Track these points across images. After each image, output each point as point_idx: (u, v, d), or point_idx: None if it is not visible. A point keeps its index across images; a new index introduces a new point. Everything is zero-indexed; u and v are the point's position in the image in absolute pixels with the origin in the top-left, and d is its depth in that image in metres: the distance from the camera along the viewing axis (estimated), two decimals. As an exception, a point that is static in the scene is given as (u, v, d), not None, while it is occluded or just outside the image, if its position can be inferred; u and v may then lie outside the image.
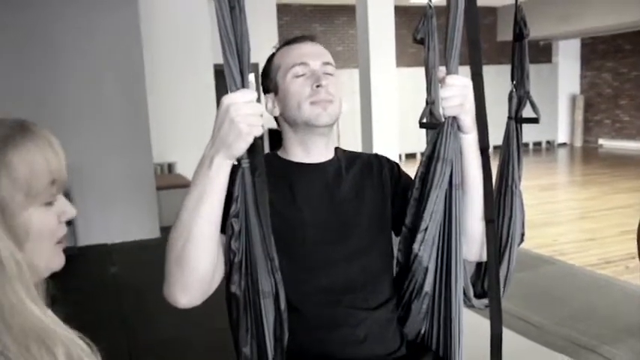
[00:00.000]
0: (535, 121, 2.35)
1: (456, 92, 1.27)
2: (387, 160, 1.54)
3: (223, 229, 1.14)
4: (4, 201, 0.77)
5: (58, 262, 0.88)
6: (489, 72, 12.53)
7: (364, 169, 1.47)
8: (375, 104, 7.27)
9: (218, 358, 1.38)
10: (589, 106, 13.77)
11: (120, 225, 6.03)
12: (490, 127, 1.35)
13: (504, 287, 2.16)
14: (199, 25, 7.34)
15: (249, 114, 1.05)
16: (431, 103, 2.29)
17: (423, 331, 1.45)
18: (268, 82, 1.45)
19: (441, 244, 1.38)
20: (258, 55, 7.85)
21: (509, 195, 2.14)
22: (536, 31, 12.38)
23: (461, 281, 1.43)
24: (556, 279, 4.71)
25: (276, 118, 1.51)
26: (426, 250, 1.35)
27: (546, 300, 4.21)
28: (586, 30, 12.15)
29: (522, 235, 2.25)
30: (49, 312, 0.78)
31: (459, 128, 1.32)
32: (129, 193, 6.19)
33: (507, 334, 3.68)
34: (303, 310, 1.27)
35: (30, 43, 5.72)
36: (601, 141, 13.43)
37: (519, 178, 2.16)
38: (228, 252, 1.13)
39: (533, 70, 11.90)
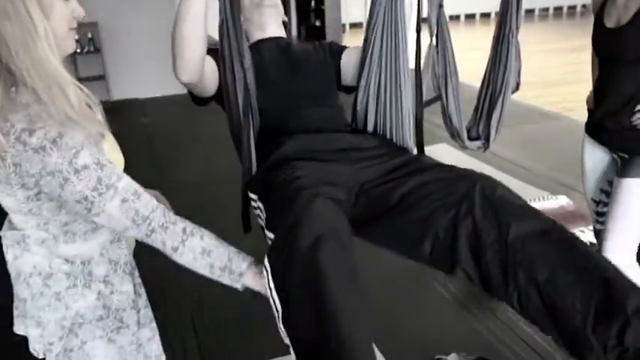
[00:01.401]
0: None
1: None
2: (328, 41, 2.03)
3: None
4: None
5: (70, 44, 1.18)
6: None
7: (308, 43, 1.96)
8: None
9: (237, 193, 1.72)
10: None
11: (151, 81, 6.30)
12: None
13: (496, 131, 2.39)
14: None
15: None
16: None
17: (377, 125, 1.84)
18: None
19: (387, 51, 1.74)
20: None
21: (505, 44, 2.31)
22: None
23: (409, 81, 1.81)
24: (554, 131, 4.99)
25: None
26: (368, 48, 1.74)
27: (542, 150, 4.54)
28: None
29: (518, 84, 2.44)
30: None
31: None
32: (159, 50, 6.35)
33: (499, 176, 4.02)
34: (271, 108, 1.72)
35: None
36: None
37: (517, 28, 2.31)
38: (221, 48, 1.57)
39: None
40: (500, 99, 2.37)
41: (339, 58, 1.90)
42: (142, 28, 6.25)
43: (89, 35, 6.17)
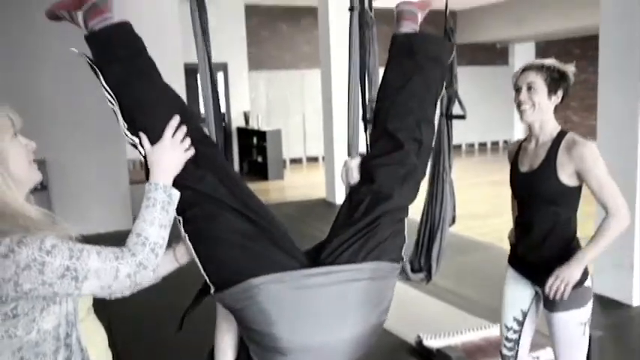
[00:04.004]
0: (462, 117, 2.76)
1: None
2: None
3: None
4: None
5: (36, 175, 1.39)
6: (449, 73, 12.97)
7: None
8: (336, 104, 7.48)
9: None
10: (543, 107, 14.36)
11: (95, 217, 6.32)
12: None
13: (437, 264, 2.56)
14: (169, 25, 7.52)
15: None
16: (371, 101, 2.69)
17: None
18: None
19: None
20: (228, 55, 8.46)
21: (440, 182, 2.55)
22: (493, 34, 12.93)
23: None
24: (488, 261, 5.27)
25: None
26: None
27: (479, 279, 4.77)
28: (538, 34, 12.71)
29: (454, 217, 2.66)
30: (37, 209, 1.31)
31: None
32: (104, 187, 6.49)
33: (441, 306, 4.19)
34: None
35: (11, 45, 5.95)
36: (554, 140, 14.03)
37: (450, 167, 2.57)
38: None
39: (490, 72, 12.47)
40: (439, 233, 2.56)
41: None
42: (89, 164, 6.36)
43: (35, 173, 6.24)
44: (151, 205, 1.40)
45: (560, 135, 2.21)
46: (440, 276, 2.64)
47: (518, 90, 2.27)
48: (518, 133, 14.60)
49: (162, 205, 1.40)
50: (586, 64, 12.44)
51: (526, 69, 2.26)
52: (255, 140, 10.87)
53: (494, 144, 14.41)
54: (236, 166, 11.79)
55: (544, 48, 14.26)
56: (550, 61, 2.25)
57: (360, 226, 1.59)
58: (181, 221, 1.53)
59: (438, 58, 1.90)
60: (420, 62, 1.84)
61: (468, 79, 13.52)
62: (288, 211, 7.44)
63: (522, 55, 14.40)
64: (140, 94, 1.53)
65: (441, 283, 4.41)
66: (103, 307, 1.51)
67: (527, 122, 2.28)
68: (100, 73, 1.53)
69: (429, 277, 2.69)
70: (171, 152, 1.47)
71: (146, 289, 1.46)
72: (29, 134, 1.39)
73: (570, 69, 2.25)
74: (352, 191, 1.75)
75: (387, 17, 11.95)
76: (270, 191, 9.44)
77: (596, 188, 2.11)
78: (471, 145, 14.13)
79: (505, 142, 14.46)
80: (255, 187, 9.78)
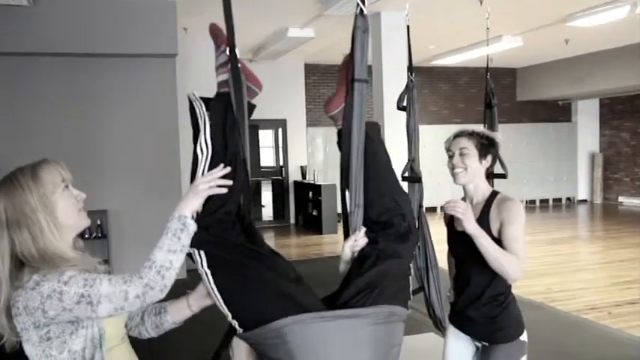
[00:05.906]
0: (503, 176, 2.78)
1: None
2: None
3: None
4: (46, 192, 1.47)
5: (85, 221, 1.58)
6: (509, 129, 12.93)
7: None
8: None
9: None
10: (608, 164, 14.02)
11: (151, 265, 6.49)
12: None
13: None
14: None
15: None
16: (411, 160, 2.76)
17: None
18: None
19: None
20: (287, 111, 8.83)
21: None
22: (554, 91, 12.78)
23: None
24: (539, 322, 5.05)
25: None
26: None
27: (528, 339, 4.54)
28: (599, 91, 12.46)
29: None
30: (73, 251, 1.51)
31: None
32: (159, 235, 6.67)
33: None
34: None
35: (78, 101, 6.37)
36: (621, 198, 13.61)
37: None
38: None
39: (553, 129, 12.25)
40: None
41: None
42: (147, 214, 6.57)
43: (98, 222, 6.52)
44: (164, 233, 1.54)
45: (493, 195, 2.33)
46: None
47: (451, 155, 2.38)
48: (583, 191, 14.20)
49: (173, 233, 1.53)
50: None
51: (458, 135, 2.39)
52: (310, 194, 11.01)
53: (557, 200, 14.02)
54: (292, 219, 11.95)
55: (609, 104, 13.98)
56: (480, 129, 2.42)
57: (371, 275, 1.71)
58: (209, 274, 1.63)
59: (373, 136, 2.02)
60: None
61: (529, 136, 13.40)
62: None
63: (586, 111, 14.17)
64: (227, 146, 1.72)
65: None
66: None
67: (461, 184, 2.39)
68: (207, 124, 1.74)
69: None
70: (195, 193, 1.60)
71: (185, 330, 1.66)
72: (93, 187, 1.57)
73: (498, 136, 2.40)
74: (359, 254, 1.86)
75: (448, 74, 11.98)
76: (324, 245, 9.48)
77: (509, 237, 2.20)
78: (532, 202, 13.80)
79: (568, 199, 14.06)
80: (309, 240, 9.94)
